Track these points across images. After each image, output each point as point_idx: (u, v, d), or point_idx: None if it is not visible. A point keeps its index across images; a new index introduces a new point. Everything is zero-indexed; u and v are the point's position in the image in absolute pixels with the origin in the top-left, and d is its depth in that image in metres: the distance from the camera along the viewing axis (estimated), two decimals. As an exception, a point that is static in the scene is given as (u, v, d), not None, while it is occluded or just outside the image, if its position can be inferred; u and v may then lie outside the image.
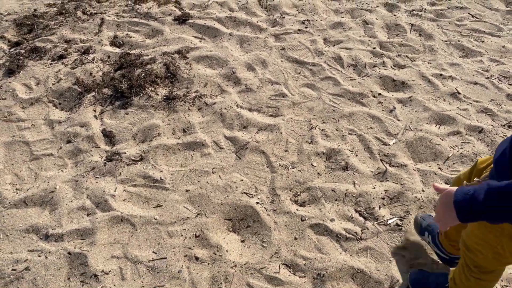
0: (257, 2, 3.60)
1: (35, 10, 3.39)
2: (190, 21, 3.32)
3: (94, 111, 2.53)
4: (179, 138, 2.38)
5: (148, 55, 2.93)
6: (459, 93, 2.64)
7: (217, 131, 2.43)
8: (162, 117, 2.49)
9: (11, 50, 2.94)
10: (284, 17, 3.39)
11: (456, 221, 0.97)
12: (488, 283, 1.39)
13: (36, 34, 3.11)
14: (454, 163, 2.20)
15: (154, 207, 2.01)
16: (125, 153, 2.27)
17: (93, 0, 3.56)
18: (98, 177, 2.15)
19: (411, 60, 2.95)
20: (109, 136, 2.37)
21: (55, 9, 3.41)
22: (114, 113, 2.52)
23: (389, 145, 2.32)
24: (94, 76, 2.73)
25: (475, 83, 2.73)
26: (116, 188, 2.08)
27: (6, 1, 3.56)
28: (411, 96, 2.63)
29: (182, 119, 2.48)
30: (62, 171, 2.20)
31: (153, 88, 2.65)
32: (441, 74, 2.80)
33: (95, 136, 2.36)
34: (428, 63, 2.93)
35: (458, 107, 2.55)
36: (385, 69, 2.87)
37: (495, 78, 2.76)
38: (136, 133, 2.40)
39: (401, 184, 2.08)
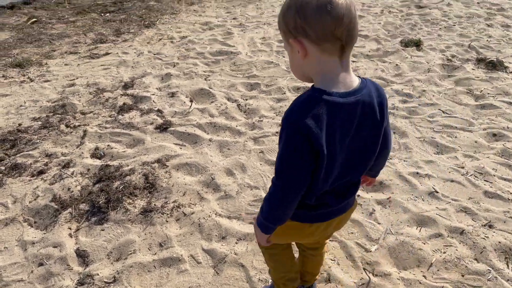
0: (236, 106, 3.74)
1: (19, 124, 3.48)
2: (171, 128, 3.41)
3: (70, 228, 2.47)
4: (155, 253, 2.31)
5: (128, 166, 2.95)
6: (437, 192, 2.65)
7: (194, 243, 2.37)
8: (138, 232, 2.44)
9: (-9, 168, 2.96)
10: (262, 120, 3.50)
11: (265, 235, 1.36)
12: (278, 255, 1.74)
13: (18, 149, 3.16)
14: (438, 270, 2.13)
15: (124, 338, 1.88)
16: (98, 274, 2.18)
17: (78, 112, 3.68)
18: (67, 304, 2.04)
19: (388, 159, 3.00)
20: (82, 256, 2.30)
21: (39, 123, 3.51)
22: (90, 229, 2.47)
23: (371, 251, 2.26)
24: (72, 191, 2.72)
25: (452, 181, 2.75)
26: (85, 317, 1.96)
27: (-7, 116, 3.67)
28: (390, 197, 2.63)
29: (159, 233, 2.43)
30: (30, 298, 2.09)
31: (131, 201, 2.63)
32: (417, 173, 2.83)
33: (68, 257, 2.28)
34: (404, 161, 2.98)
35: (437, 207, 2.54)
36: (362, 169, 2.90)
37: (471, 175, 2.80)
38: (111, 251, 2.33)
39: (386, 297, 1.99)
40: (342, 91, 1.09)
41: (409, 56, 4.76)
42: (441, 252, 2.23)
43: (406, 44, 5.05)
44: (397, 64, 4.54)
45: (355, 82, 1.13)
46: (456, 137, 3.23)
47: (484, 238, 2.29)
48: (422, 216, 2.47)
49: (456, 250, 2.23)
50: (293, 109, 1.09)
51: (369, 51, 4.93)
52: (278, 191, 1.20)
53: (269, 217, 1.28)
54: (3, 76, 4.50)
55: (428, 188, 2.70)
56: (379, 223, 2.45)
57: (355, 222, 2.45)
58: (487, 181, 2.75)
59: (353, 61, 4.67)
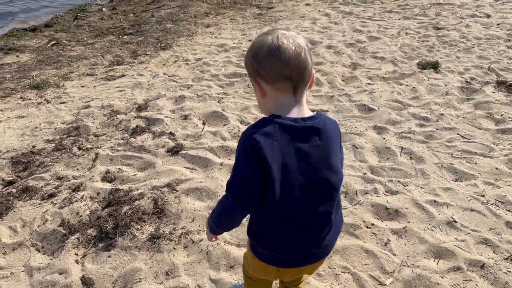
0: (249, 129, 3.70)
1: (33, 146, 3.51)
2: (182, 152, 3.38)
3: (76, 254, 2.44)
4: (161, 282, 2.25)
5: (137, 190, 2.92)
6: (456, 222, 2.53)
7: (202, 272, 2.30)
8: (145, 259, 2.39)
9: (3, 190, 2.96)
10: (275, 144, 3.44)
11: (211, 234, 1.51)
12: (254, 285, 1.83)
13: (30, 172, 3.17)
14: (457, 307, 2.01)
15: None
16: (102, 304, 2.13)
17: (91, 134, 3.69)
18: (69, 335, 1.99)
19: (403, 185, 2.90)
20: (87, 284, 2.25)
21: (53, 145, 3.53)
22: (97, 256, 2.43)
23: (385, 285, 2.16)
24: (81, 216, 2.70)
25: (472, 210, 2.63)
26: None
27: (7, 137, 3.71)
28: (406, 226, 2.53)
29: (166, 260, 2.37)
30: (33, 327, 2.05)
31: (139, 227, 2.59)
32: (435, 201, 2.72)
33: (73, 284, 2.23)
34: (421, 188, 2.87)
35: (456, 238, 2.42)
36: (377, 196, 2.81)
37: (491, 204, 2.67)
38: (117, 279, 2.27)
39: (401, 336, 1.88)
40: (294, 117, 1.23)
41: (426, 78, 4.67)
42: (460, 287, 2.11)
43: (423, 66, 4.97)
44: (414, 87, 4.46)
45: (308, 114, 1.27)
46: (475, 163, 3.11)
47: (506, 273, 2.16)
48: (440, 248, 2.35)
49: (476, 285, 2.11)
50: (249, 127, 1.25)
51: (385, 73, 4.87)
52: (227, 198, 1.29)
53: (216, 221, 1.40)
54: (21, 98, 4.59)
55: (446, 217, 2.58)
56: (394, 255, 2.34)
57: (369, 253, 2.35)
58: (509, 210, 2.62)
59: (369, 84, 4.61)
